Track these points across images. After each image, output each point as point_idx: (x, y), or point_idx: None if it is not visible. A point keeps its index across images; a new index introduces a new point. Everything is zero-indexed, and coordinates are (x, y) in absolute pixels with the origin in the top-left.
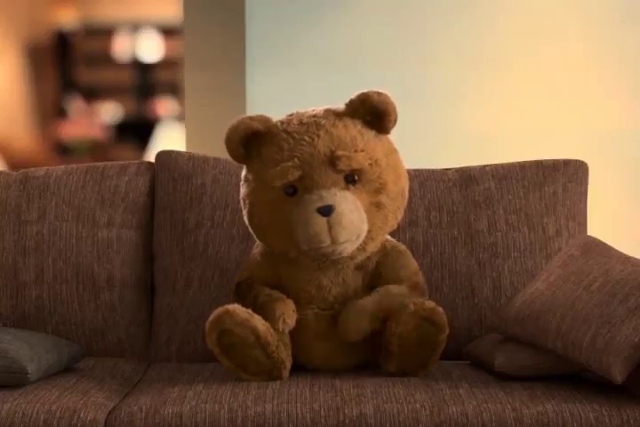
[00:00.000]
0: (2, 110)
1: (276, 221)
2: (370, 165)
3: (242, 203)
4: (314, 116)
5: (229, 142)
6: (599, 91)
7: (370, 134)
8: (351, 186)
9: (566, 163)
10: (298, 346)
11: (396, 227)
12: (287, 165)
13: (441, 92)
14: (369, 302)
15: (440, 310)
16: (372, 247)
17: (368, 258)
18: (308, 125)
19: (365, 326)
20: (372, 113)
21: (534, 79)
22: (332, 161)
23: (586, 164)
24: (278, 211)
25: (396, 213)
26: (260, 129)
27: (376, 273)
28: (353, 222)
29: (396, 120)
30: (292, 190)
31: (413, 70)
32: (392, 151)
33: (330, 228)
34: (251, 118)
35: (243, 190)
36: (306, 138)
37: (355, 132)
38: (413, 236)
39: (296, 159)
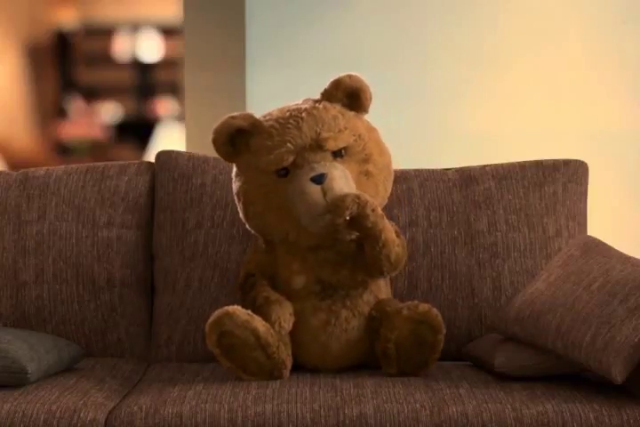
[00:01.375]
0: (2, 110)
1: (271, 203)
2: (355, 140)
3: (236, 199)
4: (294, 104)
5: (216, 144)
6: (599, 91)
7: (349, 114)
8: (339, 159)
9: (566, 163)
10: (297, 345)
11: (385, 202)
12: (281, 151)
13: (441, 92)
14: None
15: (434, 311)
16: None
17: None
18: (290, 111)
19: None
20: (348, 94)
21: (534, 79)
22: (319, 143)
23: (586, 164)
24: (273, 193)
25: (385, 183)
26: (244, 125)
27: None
28: (343, 190)
29: (371, 97)
30: (284, 172)
31: (413, 70)
32: (372, 129)
33: (324, 194)
34: (232, 117)
35: (235, 186)
36: (291, 121)
37: (335, 111)
38: (413, 236)
39: (289, 144)
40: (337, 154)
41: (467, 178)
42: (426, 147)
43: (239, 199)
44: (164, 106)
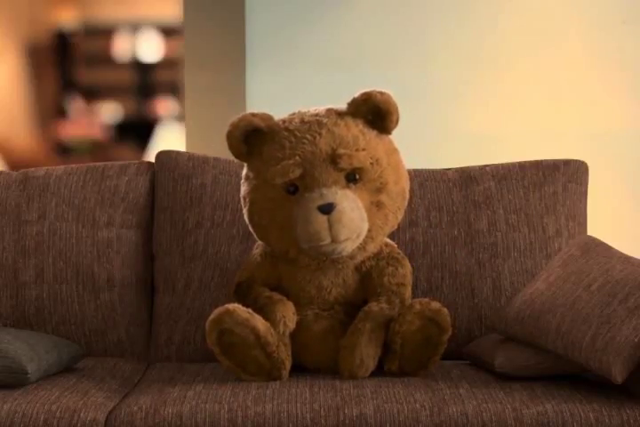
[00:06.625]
0: (2, 110)
1: (276, 219)
2: (371, 164)
3: (242, 201)
4: (316, 115)
5: (230, 138)
6: (599, 91)
7: (371, 134)
8: (352, 185)
9: (566, 163)
10: (298, 346)
11: (396, 227)
12: (288, 163)
13: (441, 92)
14: (363, 344)
15: (445, 311)
16: (372, 247)
17: (368, 259)
18: (310, 124)
19: (370, 363)
20: (374, 113)
21: (534, 79)
22: (334, 159)
23: (586, 164)
24: (279, 209)
25: (396, 213)
26: (262, 126)
27: (367, 275)
28: (353, 221)
29: (397, 121)
30: (294, 189)
31: (413, 70)
32: (393, 151)
33: (330, 226)
34: (253, 115)
35: (243, 188)
36: (307, 136)
37: (356, 131)
38: (413, 236)
39: (297, 157)
40: (350, 178)
41: (467, 178)
42: (426, 147)
43: (245, 204)
44: (164, 106)
